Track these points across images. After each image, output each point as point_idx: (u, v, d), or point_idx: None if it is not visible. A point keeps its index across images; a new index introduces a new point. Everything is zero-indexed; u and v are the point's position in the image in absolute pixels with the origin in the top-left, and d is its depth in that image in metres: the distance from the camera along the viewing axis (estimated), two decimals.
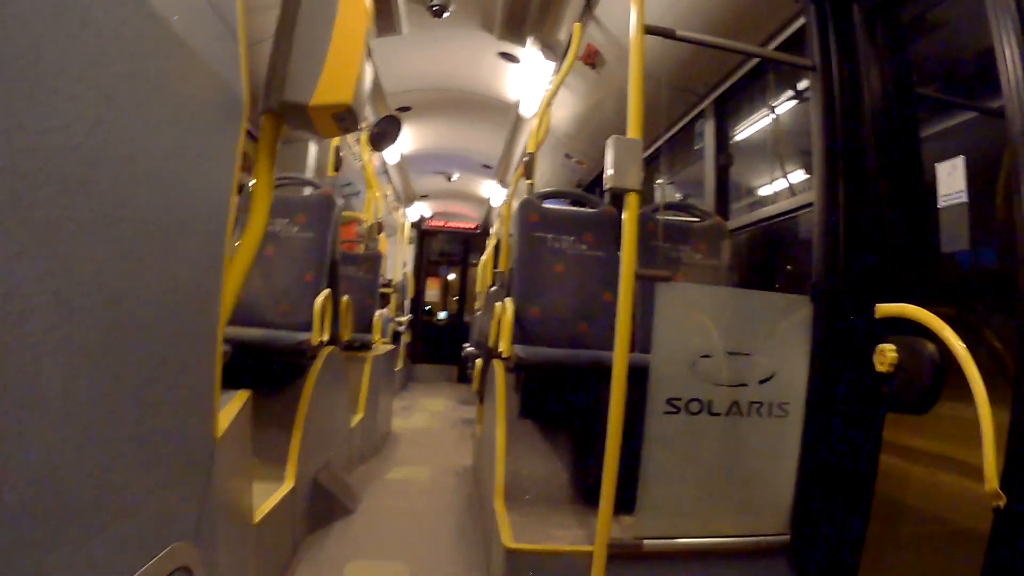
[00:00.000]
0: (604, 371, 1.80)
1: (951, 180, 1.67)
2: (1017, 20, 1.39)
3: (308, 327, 2.79)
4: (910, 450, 1.88)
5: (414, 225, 10.63)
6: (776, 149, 3.22)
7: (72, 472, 0.63)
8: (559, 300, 2.97)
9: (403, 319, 7.45)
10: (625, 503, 1.78)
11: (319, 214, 3.18)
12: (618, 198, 1.78)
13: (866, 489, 1.81)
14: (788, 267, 3.17)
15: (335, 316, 3.14)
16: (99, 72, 0.63)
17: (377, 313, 5.10)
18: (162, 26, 0.76)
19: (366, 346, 4.60)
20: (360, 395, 4.11)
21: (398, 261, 7.67)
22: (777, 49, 2.80)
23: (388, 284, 6.10)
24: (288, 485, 2.30)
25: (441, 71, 5.56)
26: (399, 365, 7.21)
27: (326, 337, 2.93)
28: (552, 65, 4.59)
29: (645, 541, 1.79)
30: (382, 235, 5.80)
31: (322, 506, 2.76)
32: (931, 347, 1.54)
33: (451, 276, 11.64)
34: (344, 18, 1.15)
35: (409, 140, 7.11)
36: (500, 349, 2.75)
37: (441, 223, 11.29)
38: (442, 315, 11.40)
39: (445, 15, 4.41)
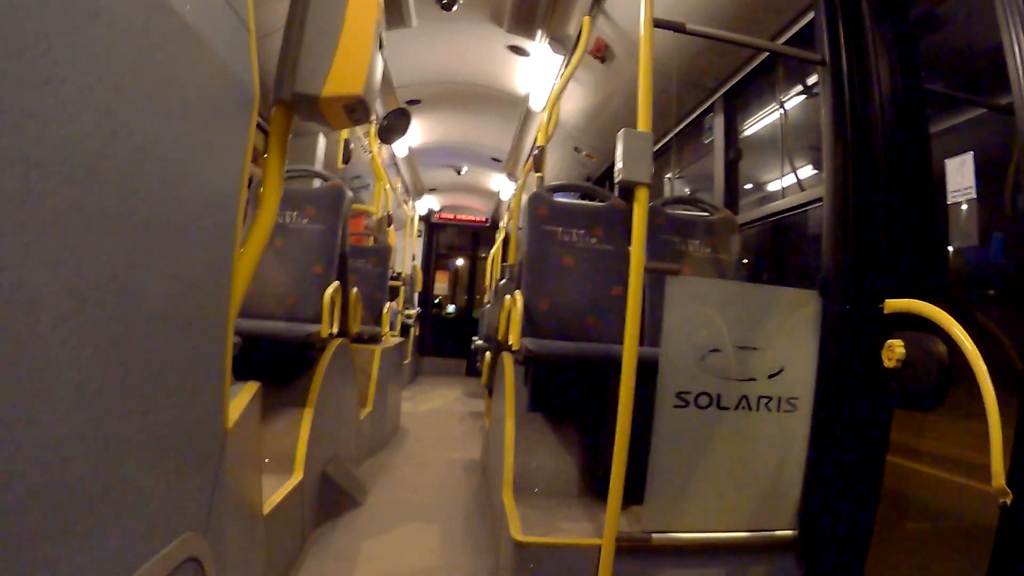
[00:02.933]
0: (613, 364, 1.80)
1: (960, 176, 1.66)
2: None
3: (317, 319, 2.80)
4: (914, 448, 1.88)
5: (423, 218, 10.65)
6: (785, 144, 3.20)
7: (82, 463, 0.63)
8: (568, 293, 2.97)
9: (412, 312, 7.46)
10: (634, 496, 1.78)
11: (329, 206, 3.19)
12: (627, 192, 1.78)
13: (874, 485, 1.80)
14: (797, 262, 3.16)
15: (344, 309, 3.15)
16: (109, 63, 0.63)
17: (386, 306, 5.11)
18: (173, 17, 0.76)
19: (375, 339, 4.60)
20: (369, 388, 4.11)
21: (407, 254, 7.67)
22: (786, 43, 2.78)
23: (397, 277, 6.11)
24: (297, 477, 2.31)
25: (450, 64, 5.56)
26: (408, 358, 7.23)
27: (335, 330, 2.94)
28: (561, 59, 4.57)
29: (653, 535, 1.79)
30: (391, 228, 5.81)
31: (331, 498, 2.77)
32: (939, 343, 1.53)
33: (460, 269, 11.65)
34: (354, 9, 1.15)
35: (418, 133, 7.11)
36: (509, 342, 2.75)
37: (450, 216, 11.30)
38: (451, 308, 11.42)
39: (454, 8, 4.41)
